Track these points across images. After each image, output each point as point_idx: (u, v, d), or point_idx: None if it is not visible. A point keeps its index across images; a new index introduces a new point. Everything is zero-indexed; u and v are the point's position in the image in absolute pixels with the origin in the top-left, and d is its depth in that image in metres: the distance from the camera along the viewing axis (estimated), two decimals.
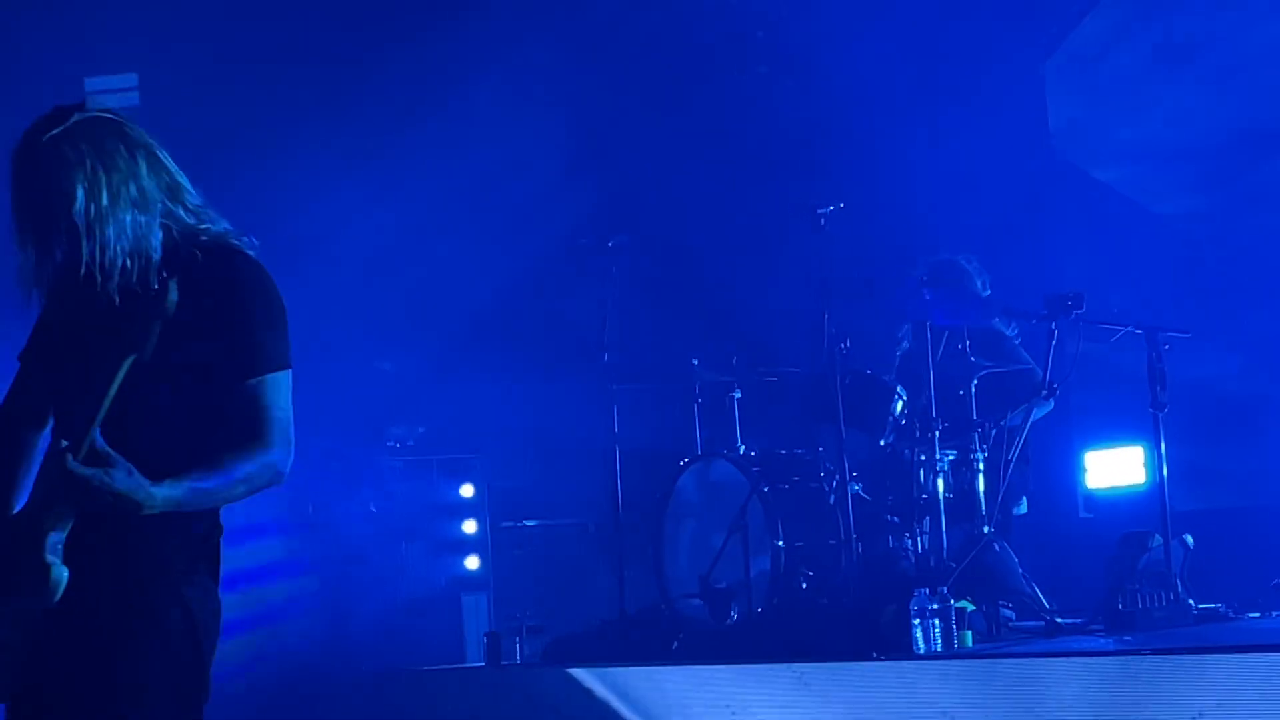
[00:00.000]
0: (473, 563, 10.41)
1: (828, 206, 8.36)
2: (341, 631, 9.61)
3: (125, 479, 3.62)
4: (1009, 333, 9.06)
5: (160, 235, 3.90)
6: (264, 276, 3.95)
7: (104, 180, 3.84)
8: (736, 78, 10.85)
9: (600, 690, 7.76)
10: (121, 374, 3.70)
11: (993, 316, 8.92)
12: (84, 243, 3.82)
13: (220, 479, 3.80)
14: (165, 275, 3.82)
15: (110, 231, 3.83)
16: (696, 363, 9.19)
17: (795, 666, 7.18)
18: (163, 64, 9.95)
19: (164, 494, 3.70)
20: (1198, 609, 8.13)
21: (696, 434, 9.19)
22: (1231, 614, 8.27)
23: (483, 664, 8.98)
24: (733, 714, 7.27)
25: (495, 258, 10.31)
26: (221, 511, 4.00)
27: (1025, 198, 10.36)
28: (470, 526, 10.43)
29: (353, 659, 9.16)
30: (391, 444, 10.33)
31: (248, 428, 3.87)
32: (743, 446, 8.91)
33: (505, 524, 10.46)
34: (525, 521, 10.39)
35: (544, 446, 10.24)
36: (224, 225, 4.00)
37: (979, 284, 9.02)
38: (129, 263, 3.85)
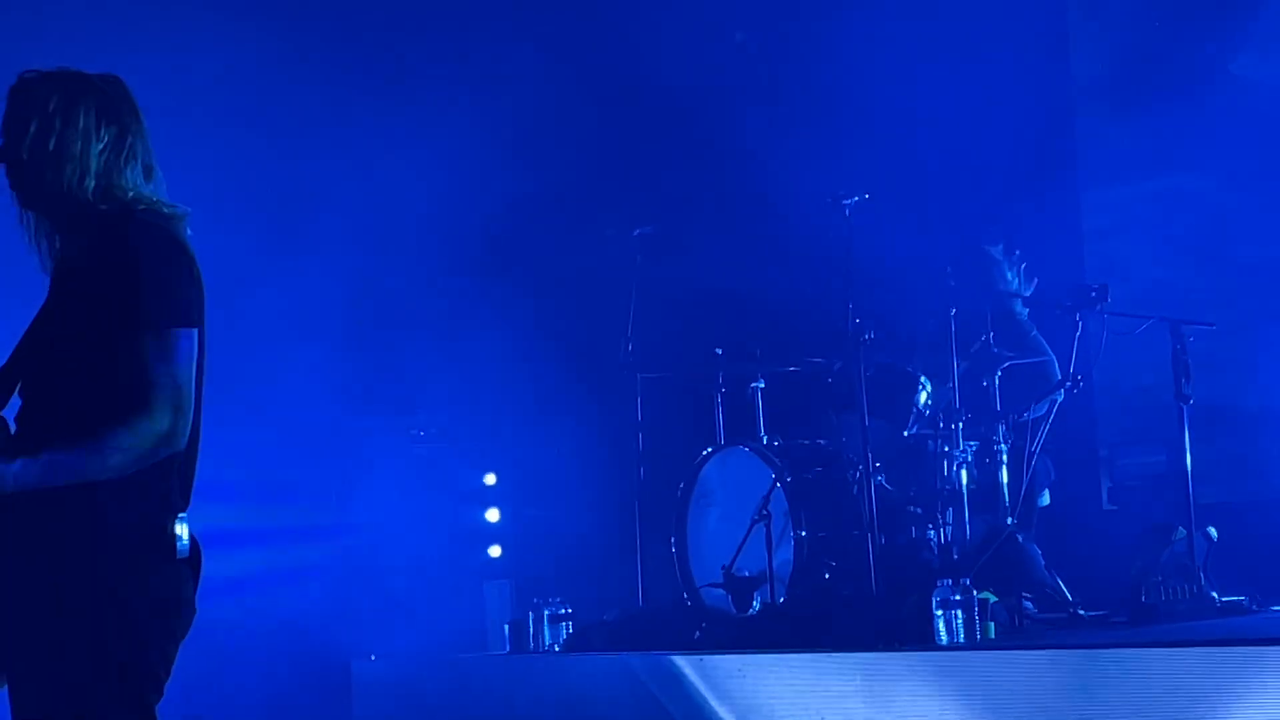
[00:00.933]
0: (495, 551, 10.43)
1: (853, 196, 8.36)
2: (364, 619, 9.62)
3: None
4: (1028, 323, 9.05)
5: (92, 206, 3.88)
6: (159, 235, 3.83)
7: (58, 127, 3.86)
8: (759, 65, 10.84)
9: (628, 677, 7.77)
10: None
11: (1015, 307, 8.91)
12: (28, 174, 3.88)
13: (86, 450, 3.67)
14: (68, 241, 3.87)
15: (50, 173, 3.86)
16: (720, 353, 9.20)
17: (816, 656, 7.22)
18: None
19: (15, 471, 3.63)
20: (1221, 601, 8.13)
21: (719, 424, 9.19)
22: (1255, 607, 8.27)
23: (507, 651, 9.00)
24: (771, 704, 7.28)
25: (523, 248, 10.32)
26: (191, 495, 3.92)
27: (1051, 188, 10.33)
28: (493, 515, 10.44)
29: (375, 646, 9.16)
30: (416, 432, 10.34)
31: (128, 393, 3.72)
32: (765, 436, 8.92)
33: (528, 512, 10.47)
34: (548, 510, 10.39)
35: (567, 435, 10.24)
36: (163, 207, 3.94)
37: (1008, 274, 9.00)
38: (51, 220, 3.90)
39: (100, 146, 3.90)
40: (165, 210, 3.91)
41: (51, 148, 3.87)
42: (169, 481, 3.86)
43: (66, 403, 3.78)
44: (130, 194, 3.91)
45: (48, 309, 3.87)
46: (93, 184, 3.88)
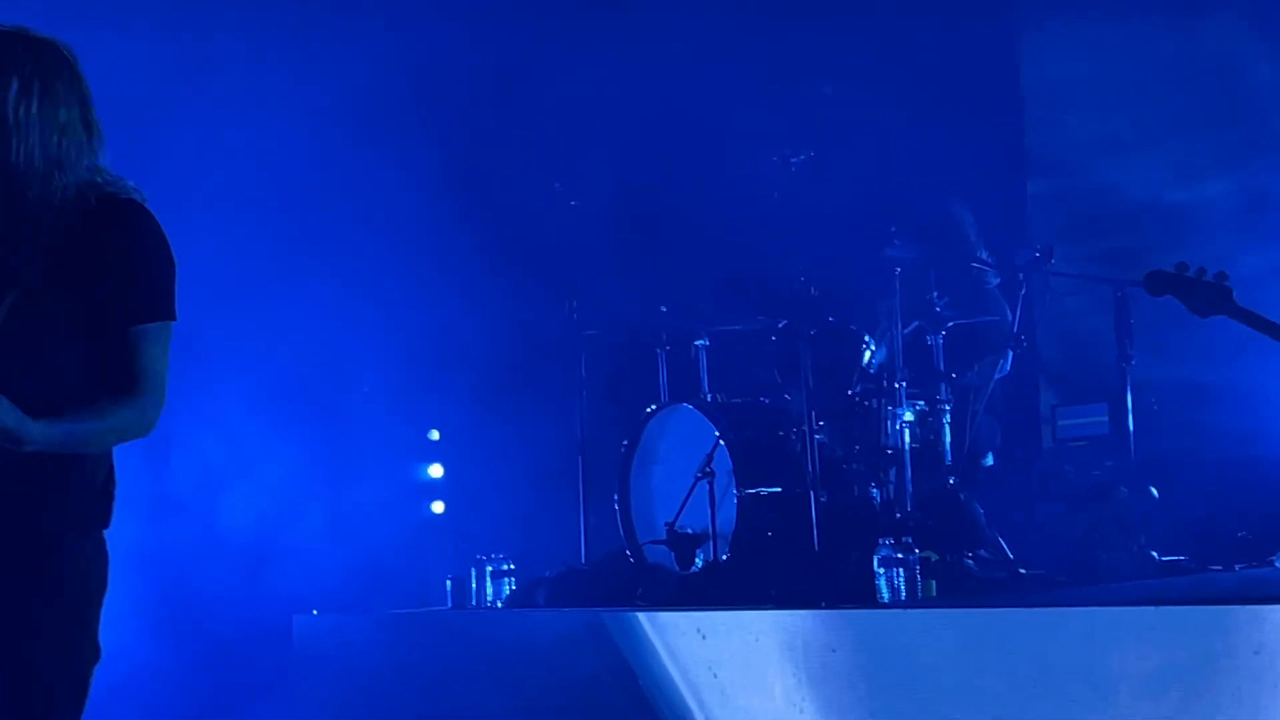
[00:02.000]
0: (438, 507, 10.42)
1: (799, 154, 8.35)
2: (306, 573, 9.59)
3: (6, 412, 3.60)
4: (988, 281, 9.07)
5: (74, 175, 3.87)
6: (155, 229, 3.93)
7: (38, 91, 3.83)
8: (705, 20, 10.79)
9: (568, 634, 7.76)
10: (4, 308, 3.72)
11: (966, 265, 8.93)
12: (12, 138, 3.81)
13: (96, 423, 3.79)
14: (64, 213, 3.82)
15: (36, 138, 3.81)
16: (664, 310, 9.19)
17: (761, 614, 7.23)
18: None
19: (42, 431, 3.67)
20: (1161, 560, 8.17)
21: (663, 381, 9.19)
22: (1194, 566, 8.31)
23: (448, 606, 8.98)
24: (711, 660, 7.29)
25: (467, 205, 10.26)
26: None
27: (1000, 150, 10.34)
28: (436, 471, 10.43)
29: (317, 601, 9.13)
30: (359, 388, 10.29)
31: (125, 376, 3.85)
32: (709, 394, 8.91)
33: (471, 469, 10.45)
34: (491, 466, 10.37)
35: (512, 392, 10.21)
36: (127, 183, 3.97)
37: (972, 233, 9.02)
38: (47, 182, 3.83)
39: (70, 117, 3.89)
40: (139, 195, 3.96)
41: (35, 109, 3.83)
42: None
43: (62, 376, 3.84)
44: (101, 175, 3.93)
45: (32, 291, 3.82)
46: (65, 157, 3.86)
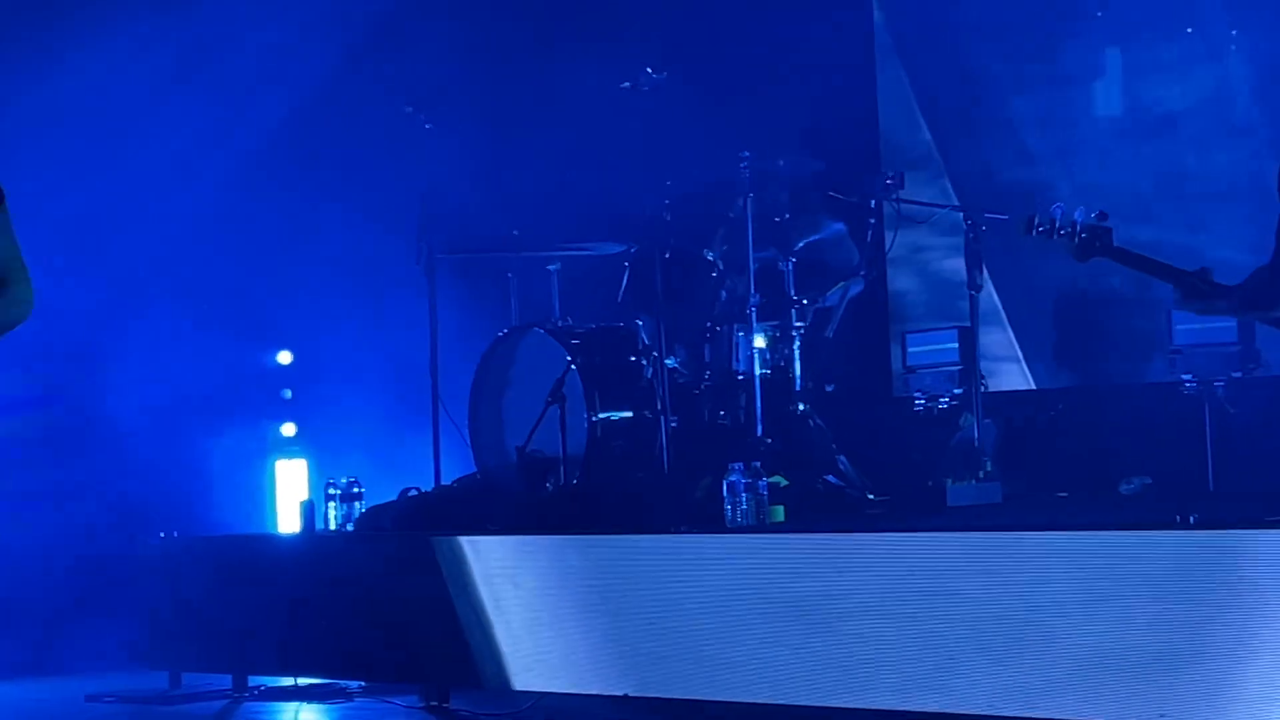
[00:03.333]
0: (289, 429, 10.36)
1: (651, 77, 8.31)
2: (151, 499, 9.51)
3: None
4: (830, 210, 9.09)
5: None
6: None
7: None
8: None
9: (416, 559, 7.75)
10: None
11: (817, 192, 8.94)
12: None
13: (7, 305, 3.90)
14: None
15: None
16: (516, 234, 9.15)
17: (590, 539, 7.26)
18: None
19: None
20: (1006, 489, 8.26)
21: (514, 306, 9.16)
22: (1040, 494, 8.41)
23: (297, 531, 8.93)
24: (559, 585, 7.31)
25: (316, 127, 10.16)
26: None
27: (849, 76, 10.34)
28: (288, 393, 10.37)
29: (161, 526, 9.05)
30: (209, 309, 10.19)
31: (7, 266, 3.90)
32: (561, 319, 8.89)
33: (323, 392, 10.39)
34: (342, 390, 10.31)
35: (364, 315, 10.16)
36: None
37: (814, 161, 9.01)
38: None
39: None
40: None
41: None
42: None
43: None
44: None
45: None
46: None
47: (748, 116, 9.46)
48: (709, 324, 8.73)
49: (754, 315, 8.45)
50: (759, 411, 8.40)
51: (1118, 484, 8.40)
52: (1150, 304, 8.99)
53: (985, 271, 8.52)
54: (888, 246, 8.68)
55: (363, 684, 8.31)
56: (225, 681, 8.57)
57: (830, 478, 8.37)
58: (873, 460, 8.68)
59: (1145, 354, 9.38)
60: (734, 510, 7.26)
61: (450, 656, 7.56)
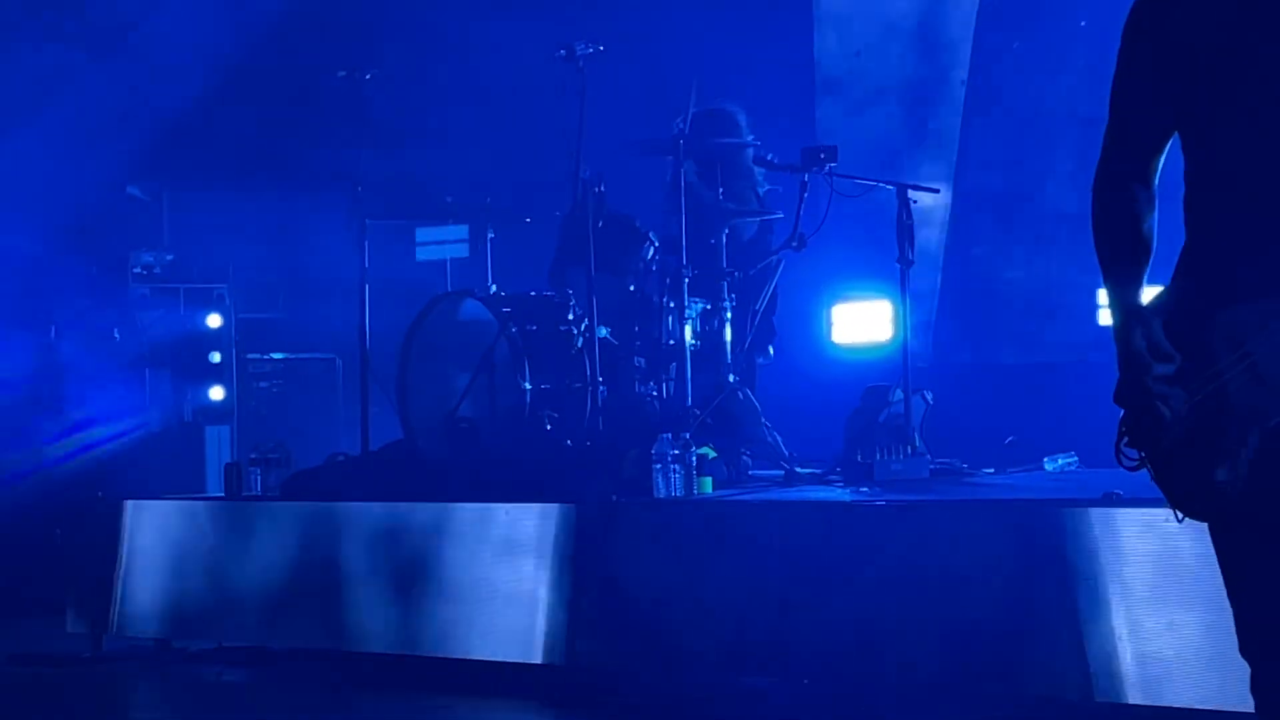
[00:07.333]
0: (217, 393, 10.30)
1: (587, 48, 8.29)
2: (75, 460, 9.47)
3: None
4: (762, 184, 9.10)
5: None
6: None
7: None
8: None
9: (337, 525, 7.74)
10: None
11: (747, 162, 8.94)
12: None
13: None
14: None
15: None
16: (450, 200, 9.11)
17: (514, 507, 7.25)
18: None
19: None
20: (934, 463, 8.28)
21: (447, 272, 9.13)
22: (967, 469, 8.44)
23: (222, 495, 8.88)
24: (472, 550, 7.31)
25: (249, 88, 10.11)
26: None
27: (780, 50, 10.35)
28: (216, 357, 10.31)
29: (87, 487, 9.00)
30: (138, 270, 10.13)
31: None
32: (494, 286, 8.86)
33: (252, 356, 10.34)
34: (272, 354, 10.27)
35: (294, 279, 10.11)
36: None
37: (747, 134, 9.01)
38: None
39: None
40: None
41: None
42: None
43: None
44: None
45: None
46: None
47: (682, 88, 9.44)
48: (640, 294, 8.72)
49: (686, 286, 8.44)
50: (689, 382, 8.39)
51: (1042, 461, 8.45)
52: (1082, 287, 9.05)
53: (915, 246, 8.54)
54: (819, 219, 8.66)
55: None
56: None
57: (758, 449, 8.39)
58: (801, 433, 8.70)
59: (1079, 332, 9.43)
60: (664, 481, 7.26)
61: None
